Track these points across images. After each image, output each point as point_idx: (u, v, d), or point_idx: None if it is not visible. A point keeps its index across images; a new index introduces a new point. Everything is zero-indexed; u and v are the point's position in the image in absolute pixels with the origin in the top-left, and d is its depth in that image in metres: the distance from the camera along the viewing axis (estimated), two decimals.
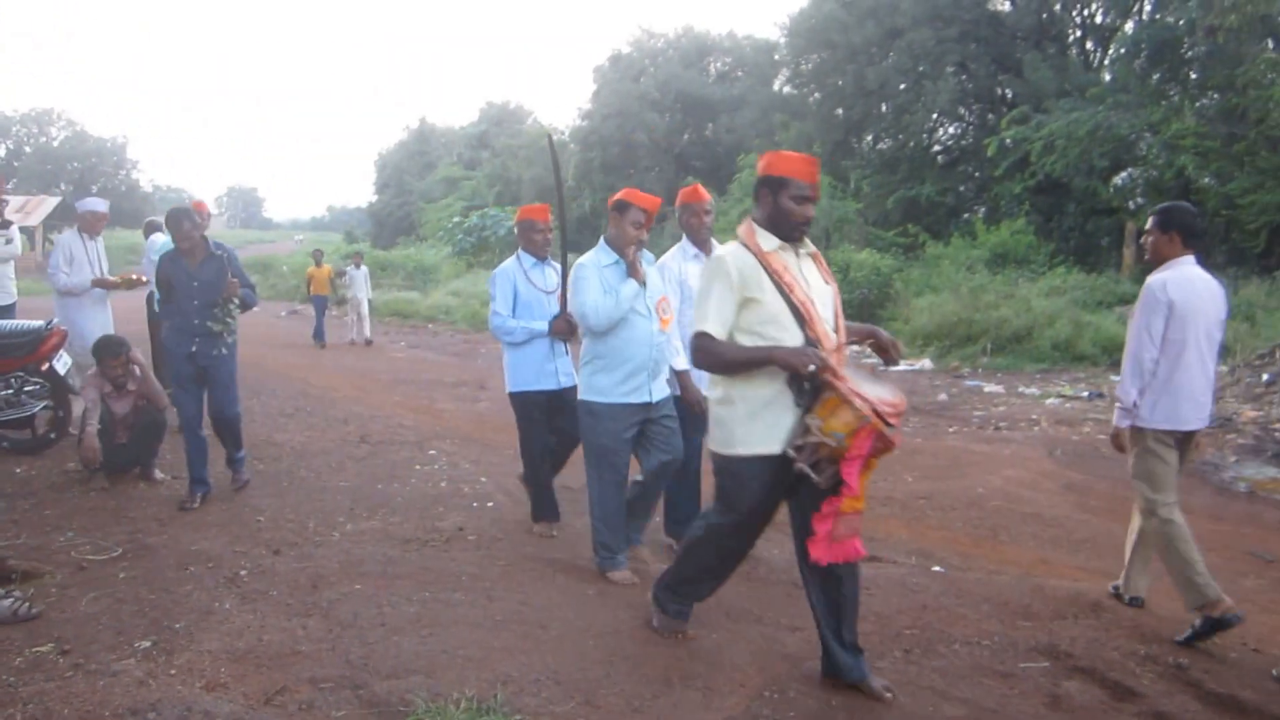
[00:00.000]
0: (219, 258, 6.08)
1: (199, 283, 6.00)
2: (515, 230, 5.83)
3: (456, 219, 33.87)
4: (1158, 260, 4.66)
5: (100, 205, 8.23)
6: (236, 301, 6.12)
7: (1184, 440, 4.68)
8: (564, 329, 5.51)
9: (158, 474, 6.70)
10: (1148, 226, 4.75)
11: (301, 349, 16.71)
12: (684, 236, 5.46)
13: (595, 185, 34.94)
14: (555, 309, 5.57)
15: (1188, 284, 4.51)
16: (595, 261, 4.92)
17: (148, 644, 3.95)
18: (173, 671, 3.69)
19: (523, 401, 5.64)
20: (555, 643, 4.09)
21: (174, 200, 71.96)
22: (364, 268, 18.81)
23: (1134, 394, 4.55)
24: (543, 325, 5.52)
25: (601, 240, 5.00)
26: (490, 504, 6.43)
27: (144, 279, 8.25)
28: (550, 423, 5.69)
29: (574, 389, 5.37)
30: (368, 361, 15.00)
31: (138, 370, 6.59)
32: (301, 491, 6.59)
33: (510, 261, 5.75)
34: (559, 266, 5.66)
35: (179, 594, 4.53)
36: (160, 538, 5.39)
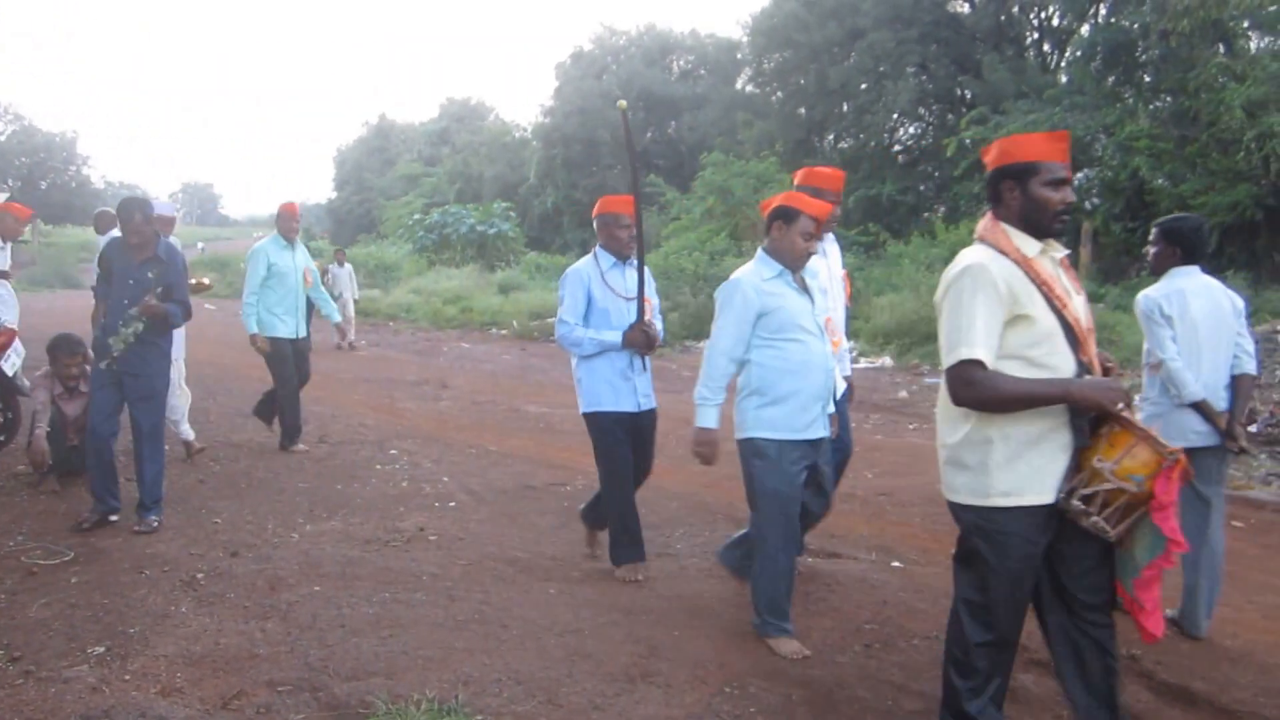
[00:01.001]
0: (163, 264, 5.58)
1: (134, 281, 5.52)
2: (595, 225, 5.08)
3: (417, 216, 33.70)
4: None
5: (168, 209, 7.69)
6: (143, 322, 5.48)
7: None
8: (639, 340, 4.86)
9: None
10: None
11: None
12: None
13: (558, 183, 34.93)
14: (633, 317, 4.88)
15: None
16: (756, 274, 4.21)
17: (101, 649, 3.90)
18: (127, 677, 3.65)
19: (601, 423, 4.96)
20: (517, 642, 4.09)
21: (126, 197, 70.81)
22: (348, 265, 18.19)
23: None
24: (615, 336, 4.85)
25: (761, 251, 4.25)
26: (452, 504, 6.41)
27: (209, 283, 8.23)
28: None
29: (652, 413, 5.02)
30: (328, 361, 14.86)
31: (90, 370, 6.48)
32: (260, 492, 6.53)
33: (585, 262, 5.05)
34: (637, 268, 4.99)
35: (133, 598, 4.48)
36: (114, 541, 5.32)
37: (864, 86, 25.99)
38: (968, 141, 20.73)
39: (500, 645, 4.05)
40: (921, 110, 26.94)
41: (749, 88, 31.99)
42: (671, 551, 5.52)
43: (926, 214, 23.85)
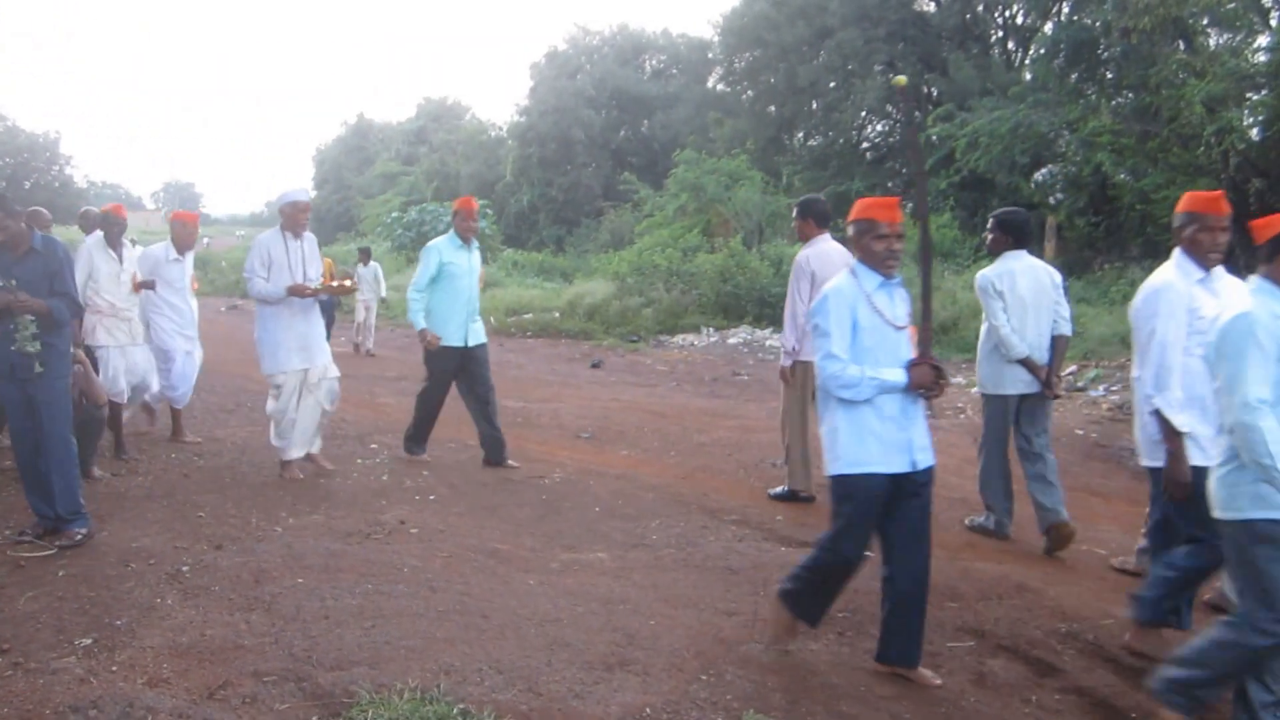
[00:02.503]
0: (41, 256, 5.12)
1: (16, 281, 5.03)
2: (850, 232, 4.03)
3: (395, 214, 33.64)
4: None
5: (302, 196, 7.03)
6: (29, 320, 5.03)
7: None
8: (928, 379, 3.81)
9: (96, 471, 6.58)
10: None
11: (242, 345, 16.40)
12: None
13: (534, 181, 35.00)
14: (908, 353, 3.91)
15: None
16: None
17: (88, 641, 3.92)
18: (114, 668, 3.67)
19: (854, 489, 3.85)
20: (497, 632, 4.14)
21: (109, 196, 70.01)
22: (374, 264, 16.87)
23: None
24: (898, 375, 3.80)
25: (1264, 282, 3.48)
26: (432, 497, 6.45)
27: (355, 285, 7.74)
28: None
29: (929, 472, 3.92)
30: None
31: (78, 367, 6.41)
32: (243, 487, 6.55)
33: (845, 279, 3.92)
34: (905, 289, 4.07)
35: (120, 591, 4.49)
36: (100, 534, 5.32)
37: (832, 85, 26.23)
38: (934, 138, 20.95)
39: (481, 635, 4.10)
40: (889, 108, 27.15)
41: (720, 86, 32.20)
42: (648, 542, 5.59)
43: None
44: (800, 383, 6.46)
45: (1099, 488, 7.29)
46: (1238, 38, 19.60)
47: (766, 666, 3.95)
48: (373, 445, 8.03)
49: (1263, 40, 19.03)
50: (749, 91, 29.23)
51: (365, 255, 17.28)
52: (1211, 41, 20.14)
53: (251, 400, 9.94)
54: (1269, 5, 18.80)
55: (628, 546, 5.50)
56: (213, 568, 4.84)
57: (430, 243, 7.42)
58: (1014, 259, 5.83)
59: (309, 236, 6.96)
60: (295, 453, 6.81)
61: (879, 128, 28.13)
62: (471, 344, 7.28)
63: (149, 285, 7.53)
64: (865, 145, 27.86)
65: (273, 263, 6.72)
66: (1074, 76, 21.99)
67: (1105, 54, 21.62)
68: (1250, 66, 18.04)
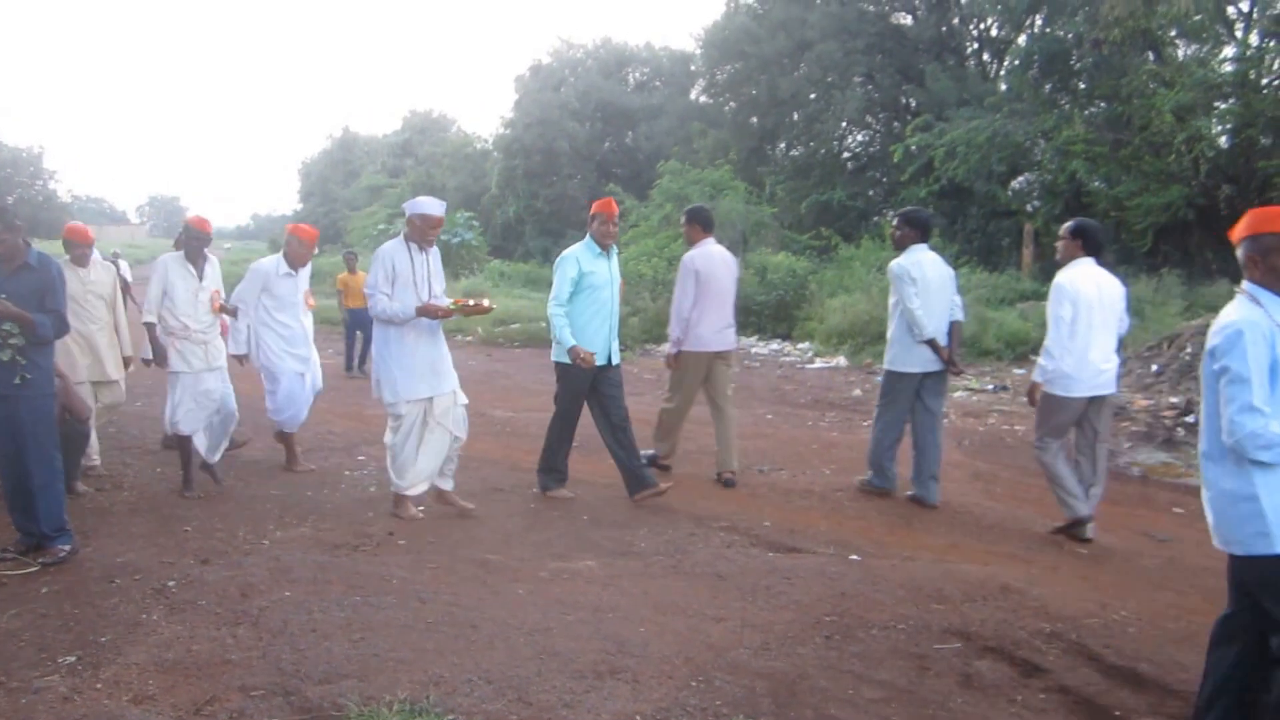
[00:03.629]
0: (35, 272, 5.11)
1: (5, 294, 5.01)
2: (1243, 250, 3.42)
3: (381, 227, 33.58)
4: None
5: (437, 209, 6.20)
6: (11, 328, 4.98)
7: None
8: None
9: (80, 486, 6.55)
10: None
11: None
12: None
13: (519, 193, 35.06)
14: None
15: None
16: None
17: (72, 659, 3.90)
18: (99, 686, 3.65)
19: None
20: (486, 642, 4.13)
21: (94, 211, 69.45)
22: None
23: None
24: None
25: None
26: (420, 508, 6.44)
27: (493, 305, 6.79)
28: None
29: None
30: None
31: (59, 381, 6.37)
32: (230, 500, 6.53)
33: (1247, 308, 3.29)
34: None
35: (104, 607, 4.47)
36: (84, 550, 5.29)
37: (813, 96, 26.36)
38: (913, 148, 21.09)
39: (470, 646, 4.09)
40: (869, 118, 27.34)
41: (703, 98, 32.32)
42: (636, 550, 5.60)
43: (876, 218, 24.18)
44: (685, 371, 7.31)
45: None
46: (1205, 48, 19.90)
47: (756, 672, 3.96)
48: (360, 457, 8.01)
49: (1229, 51, 19.35)
50: (731, 103, 29.36)
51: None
52: (1180, 52, 20.45)
53: (241, 414, 9.89)
54: (1234, 17, 19.08)
55: (616, 554, 5.50)
56: (199, 582, 4.82)
57: (565, 251, 6.71)
58: (919, 251, 6.77)
59: (434, 250, 6.32)
60: (416, 489, 6.22)
61: (859, 138, 28.29)
62: (613, 364, 6.71)
63: (230, 311, 6.99)
64: (846, 155, 27.97)
65: (397, 277, 6.06)
66: (1048, 87, 22.20)
67: (1077, 65, 21.86)
68: (1217, 76, 18.33)
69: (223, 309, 6.86)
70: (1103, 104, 20.70)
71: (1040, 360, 5.92)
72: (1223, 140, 18.50)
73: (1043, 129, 19.62)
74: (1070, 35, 21.20)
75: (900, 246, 6.90)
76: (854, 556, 5.55)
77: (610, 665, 3.96)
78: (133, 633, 4.18)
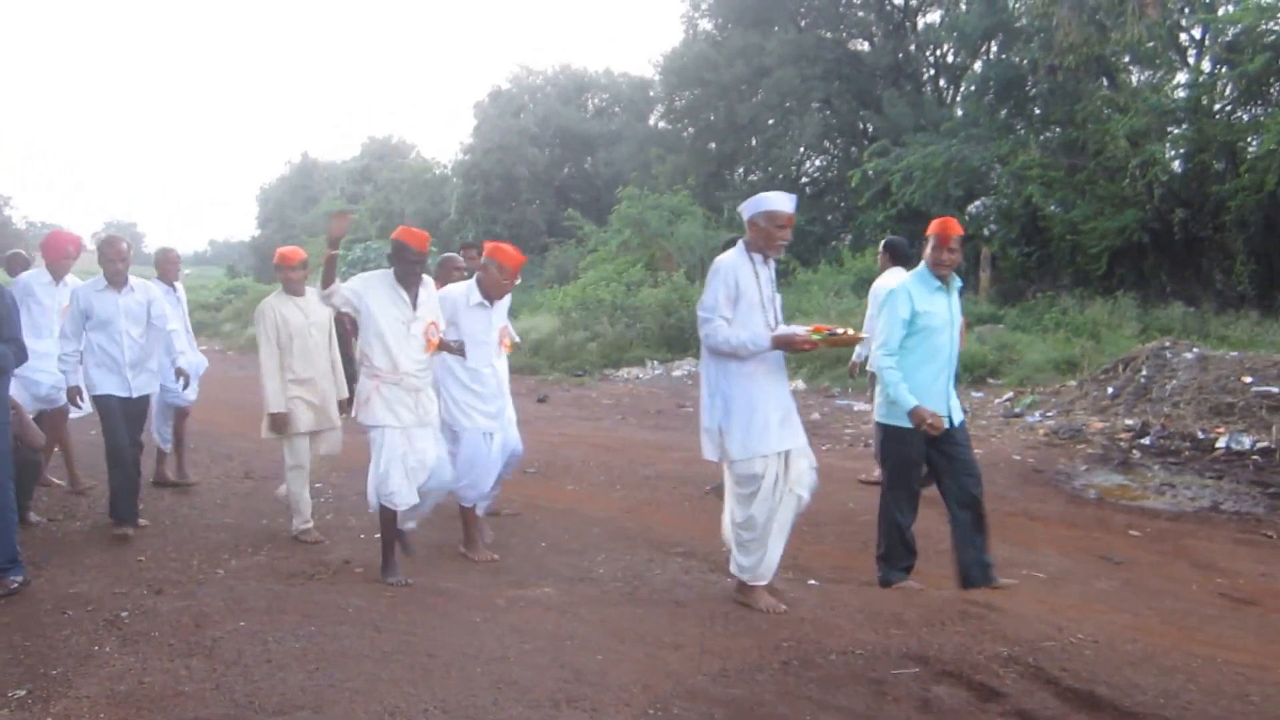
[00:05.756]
0: None
1: None
2: None
3: (339, 252, 33.44)
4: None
5: (784, 203, 4.95)
6: None
7: None
8: None
9: (32, 516, 6.42)
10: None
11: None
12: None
13: (478, 218, 35.02)
14: None
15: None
16: None
17: (22, 693, 3.82)
18: (49, 719, 3.57)
19: None
20: (443, 671, 4.09)
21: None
22: None
23: None
24: None
25: None
26: (378, 535, 6.35)
27: (861, 335, 5.65)
28: None
29: None
30: (251, 395, 14.55)
31: (11, 412, 6.21)
32: (185, 529, 6.43)
33: None
34: None
35: (55, 639, 4.38)
36: (36, 581, 5.18)
37: (771, 122, 26.62)
38: (871, 173, 21.33)
39: (427, 675, 4.05)
40: (826, 144, 27.65)
41: (661, 124, 32.55)
42: (594, 577, 5.57)
43: (834, 243, 24.40)
44: None
45: (1036, 512, 7.39)
46: (1158, 75, 20.35)
47: (714, 699, 3.94)
48: (317, 484, 7.88)
49: (1181, 77, 19.79)
50: (690, 129, 29.57)
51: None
52: (1133, 78, 20.88)
53: (193, 441, 9.73)
54: (1186, 44, 19.51)
55: (574, 581, 5.47)
56: (152, 613, 4.73)
57: (894, 286, 5.48)
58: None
59: (773, 264, 5.01)
60: (769, 574, 4.93)
61: (817, 163, 28.63)
62: (956, 421, 5.41)
63: (456, 350, 5.58)
64: (804, 180, 28.25)
65: (740, 297, 4.78)
66: (1003, 112, 22.56)
67: (1033, 91, 22.24)
68: (1170, 102, 18.74)
69: (444, 346, 5.52)
70: (1058, 129, 21.07)
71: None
72: (1176, 165, 18.91)
73: (998, 154, 19.91)
74: (1025, 61, 21.57)
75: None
76: (812, 582, 5.55)
77: (568, 694, 3.92)
78: (84, 665, 4.09)
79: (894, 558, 5.44)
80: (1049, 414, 10.79)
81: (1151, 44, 18.69)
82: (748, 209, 4.90)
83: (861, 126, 26.47)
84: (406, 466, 5.38)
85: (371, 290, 5.34)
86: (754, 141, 27.66)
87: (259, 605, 4.86)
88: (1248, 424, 8.91)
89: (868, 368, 7.78)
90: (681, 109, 29.73)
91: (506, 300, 6.08)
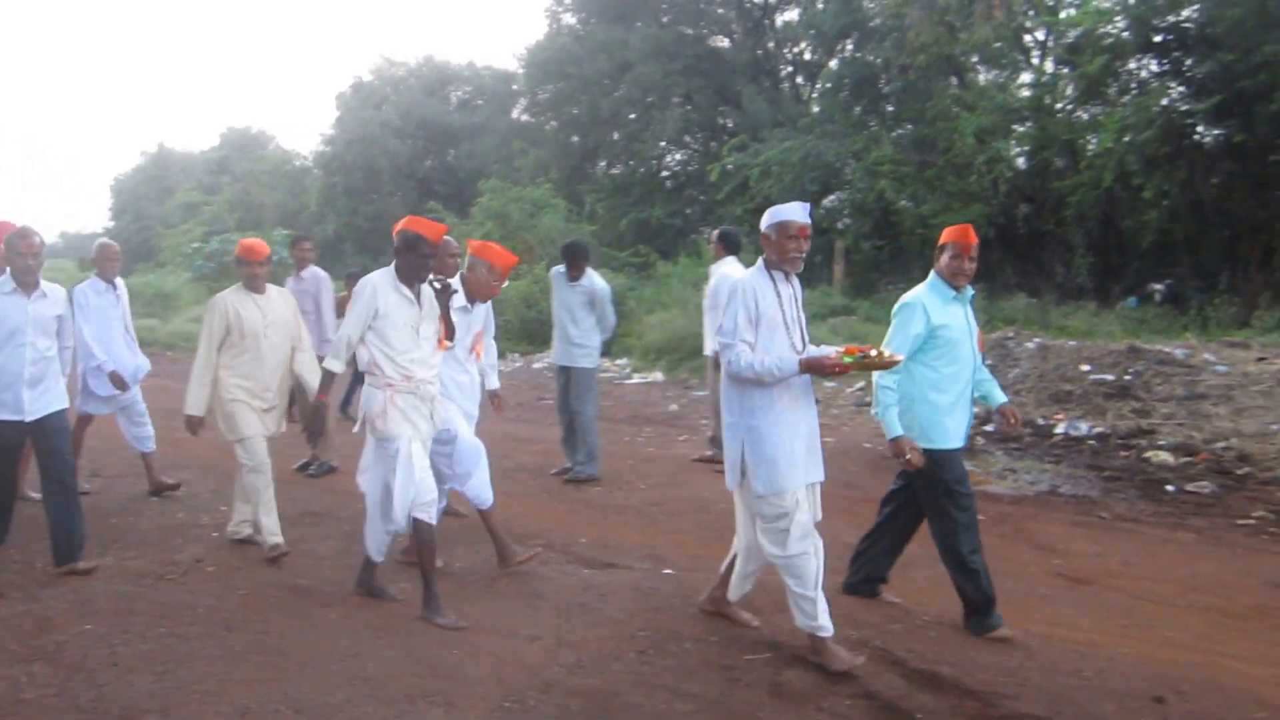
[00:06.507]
0: None
1: None
2: None
3: (196, 244, 32.17)
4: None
5: (798, 213, 4.44)
6: None
7: None
8: None
9: None
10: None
11: None
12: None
13: (339, 210, 34.29)
14: None
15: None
16: None
17: None
18: None
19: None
20: (297, 670, 4.04)
21: None
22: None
23: None
24: None
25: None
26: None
27: (897, 357, 4.52)
28: None
29: None
30: None
31: None
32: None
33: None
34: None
35: None
36: None
37: (633, 116, 26.76)
38: (730, 168, 21.63)
39: (279, 674, 3.99)
40: (687, 138, 27.91)
41: (524, 117, 32.42)
42: (452, 571, 5.48)
43: (694, 236, 24.67)
44: None
45: None
46: (1004, 75, 21.16)
47: (570, 690, 3.94)
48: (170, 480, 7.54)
49: (1026, 77, 20.64)
50: (553, 122, 29.50)
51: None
52: (981, 78, 21.67)
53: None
54: (1030, 45, 20.40)
55: None
56: None
57: (908, 296, 4.95)
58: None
59: (797, 280, 4.54)
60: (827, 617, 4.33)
61: (678, 157, 28.87)
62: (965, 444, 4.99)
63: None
64: (665, 174, 28.49)
65: (760, 319, 4.32)
66: (858, 110, 23.15)
67: (886, 89, 22.87)
68: (1015, 101, 19.57)
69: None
70: (909, 126, 21.72)
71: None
72: (1020, 161, 19.70)
73: (853, 150, 20.43)
74: (879, 60, 22.16)
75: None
76: (668, 571, 5.59)
77: (422, 689, 3.90)
78: None
79: (980, 601, 4.78)
80: None
81: (998, 45, 19.46)
82: (762, 224, 4.49)
83: (721, 122, 26.82)
84: (424, 477, 4.82)
85: (381, 299, 4.79)
86: (616, 135, 27.77)
87: (106, 607, 4.71)
88: (1085, 410, 9.35)
89: (705, 352, 8.28)
90: (544, 102, 29.64)
91: (486, 306, 5.70)
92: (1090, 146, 18.02)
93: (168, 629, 4.45)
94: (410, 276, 4.83)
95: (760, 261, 4.44)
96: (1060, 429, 9.22)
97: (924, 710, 3.90)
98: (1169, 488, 7.68)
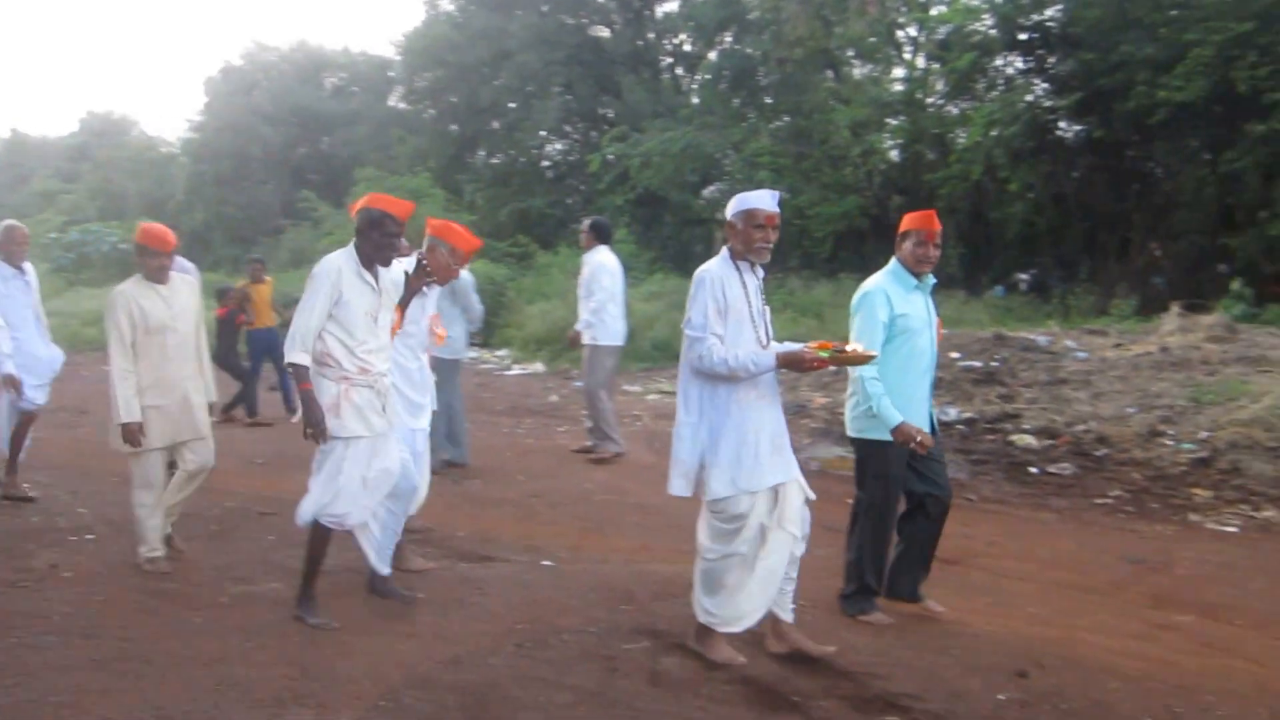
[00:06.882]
0: None
1: None
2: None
3: (54, 235, 30.70)
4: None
5: (766, 201, 4.29)
6: None
7: None
8: None
9: None
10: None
11: None
12: None
13: (207, 199, 33.15)
14: None
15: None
16: None
17: None
18: None
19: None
20: (159, 677, 3.90)
21: None
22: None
23: None
24: None
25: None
26: (90, 536, 5.95)
27: (874, 354, 4.41)
28: None
29: None
30: None
31: None
32: None
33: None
34: None
35: None
36: None
37: (513, 105, 26.59)
38: (610, 158, 21.66)
39: (142, 682, 3.85)
40: (567, 128, 27.88)
41: (401, 105, 31.91)
42: (325, 569, 5.30)
43: (574, 226, 24.67)
44: None
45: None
46: (878, 69, 21.69)
47: (446, 686, 3.90)
48: (25, 484, 7.17)
49: (898, 72, 21.21)
50: (431, 110, 29.12)
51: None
52: (856, 72, 22.18)
53: None
54: (903, 41, 20.95)
55: (292, 573, 5.22)
56: None
57: (869, 285, 4.91)
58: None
59: (759, 271, 4.35)
60: (744, 624, 4.24)
61: (558, 147, 28.81)
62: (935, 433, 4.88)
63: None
64: (546, 164, 28.39)
65: (728, 310, 4.13)
66: (737, 101, 23.45)
67: (764, 81, 23.23)
68: (889, 95, 20.09)
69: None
70: (787, 118, 22.09)
71: (589, 319, 8.13)
72: (893, 154, 20.25)
73: (732, 141, 20.69)
74: (758, 53, 22.47)
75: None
76: (546, 562, 5.58)
77: (294, 692, 3.80)
78: None
79: (864, 590, 4.86)
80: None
81: (872, 40, 19.96)
82: (728, 212, 4.30)
83: (601, 112, 26.86)
84: (367, 480, 4.51)
85: (345, 284, 4.41)
86: (495, 124, 27.55)
87: None
88: (954, 396, 9.64)
89: (584, 341, 8.36)
90: (422, 90, 29.24)
91: (435, 289, 5.28)
92: (960, 140, 18.59)
93: (19, 639, 4.24)
94: (373, 259, 4.49)
95: (725, 251, 4.26)
96: None
97: (800, 693, 3.96)
98: (1032, 470, 7.97)
